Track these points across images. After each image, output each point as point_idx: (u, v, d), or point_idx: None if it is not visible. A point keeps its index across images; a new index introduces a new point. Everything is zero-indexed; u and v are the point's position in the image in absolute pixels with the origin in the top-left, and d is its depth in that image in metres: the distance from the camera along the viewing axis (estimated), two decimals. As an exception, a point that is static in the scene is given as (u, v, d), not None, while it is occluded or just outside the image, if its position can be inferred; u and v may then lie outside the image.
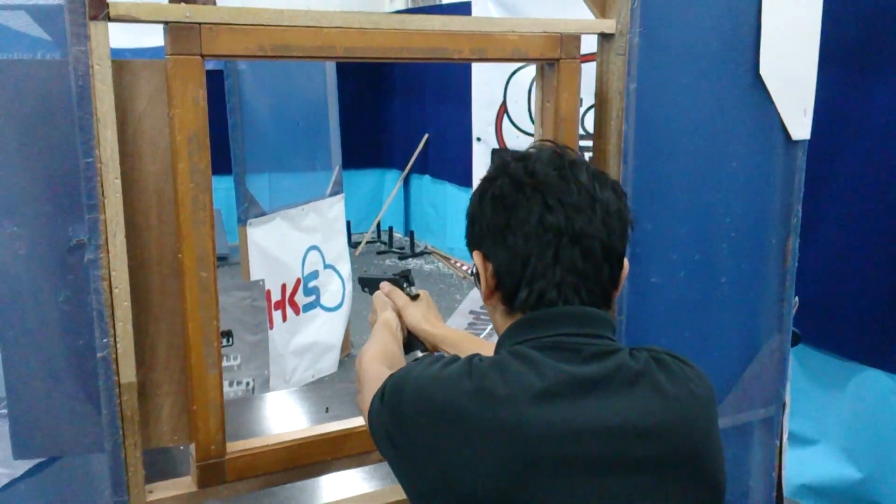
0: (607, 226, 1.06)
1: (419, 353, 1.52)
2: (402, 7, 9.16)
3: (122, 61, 1.24)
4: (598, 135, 1.60)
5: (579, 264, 1.05)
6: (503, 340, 1.11)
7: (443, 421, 0.99)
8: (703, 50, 1.60)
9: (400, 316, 1.52)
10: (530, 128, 4.30)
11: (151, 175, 1.30)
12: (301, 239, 4.46)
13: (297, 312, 4.43)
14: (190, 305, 1.33)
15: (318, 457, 1.51)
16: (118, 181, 1.23)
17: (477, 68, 4.73)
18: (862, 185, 2.80)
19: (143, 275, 1.33)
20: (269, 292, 3.95)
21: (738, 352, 1.81)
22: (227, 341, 3.25)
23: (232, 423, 2.38)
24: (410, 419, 1.02)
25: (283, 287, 4.27)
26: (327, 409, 2.39)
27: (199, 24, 1.24)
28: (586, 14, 1.59)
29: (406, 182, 8.48)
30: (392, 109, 8.73)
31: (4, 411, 1.37)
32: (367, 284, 1.63)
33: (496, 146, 4.55)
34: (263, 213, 4.14)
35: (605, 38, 1.55)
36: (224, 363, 3.20)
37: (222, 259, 7.38)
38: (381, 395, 1.08)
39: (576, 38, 1.52)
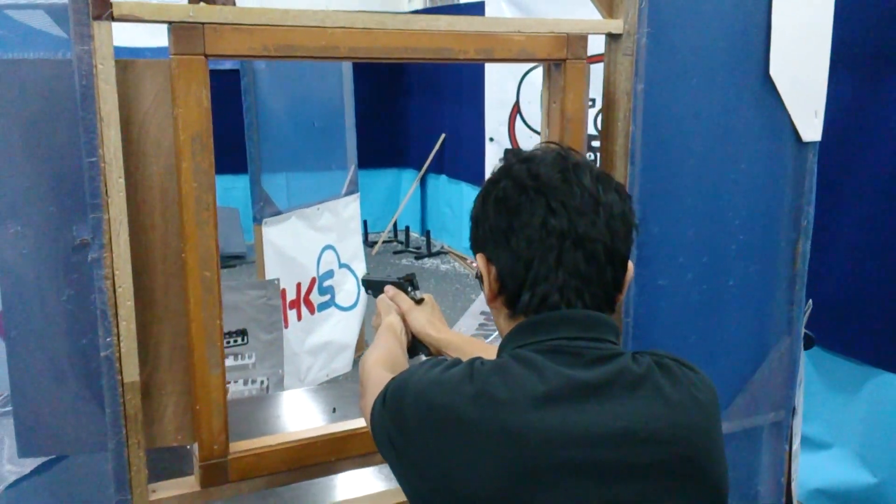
0: (611, 229, 1.05)
1: (423, 358, 1.52)
2: (420, 7, 9.16)
3: (126, 61, 1.25)
4: (606, 136, 1.59)
5: (582, 268, 1.04)
6: (505, 344, 1.10)
7: (443, 424, 0.99)
8: (712, 50, 1.59)
9: (404, 320, 1.52)
10: (544, 128, 4.26)
11: (156, 175, 1.31)
12: (316, 238, 4.47)
13: (311, 311, 4.44)
14: (193, 305, 1.33)
15: (321, 457, 1.51)
16: (122, 181, 1.24)
17: (490, 69, 4.72)
18: (878, 187, 2.77)
19: (147, 274, 1.33)
20: (283, 291, 3.96)
21: (746, 355, 1.80)
22: (242, 340, 3.26)
23: (244, 421, 2.39)
24: (411, 423, 1.02)
25: (298, 286, 4.28)
26: (334, 409, 2.40)
27: (203, 23, 1.24)
28: (598, 14, 1.58)
29: (423, 182, 8.48)
30: (410, 109, 8.74)
31: (10, 409, 1.38)
32: (371, 286, 1.63)
33: (509, 146, 4.55)
34: (279, 213, 4.15)
35: (612, 38, 1.54)
36: (239, 362, 3.23)
37: (240, 258, 7.42)
38: (383, 398, 1.08)
39: (582, 39, 1.51)
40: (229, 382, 3.11)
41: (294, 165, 4.30)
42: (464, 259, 7.49)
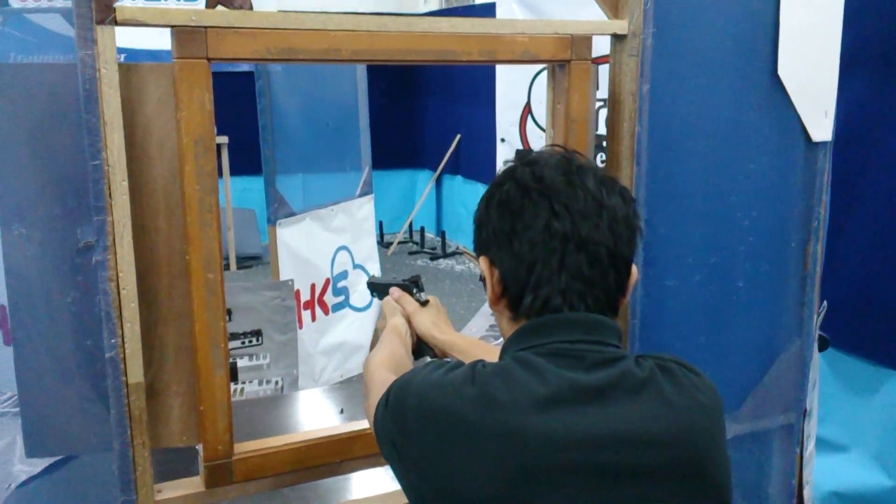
0: (614, 232, 1.05)
1: (428, 359, 1.52)
2: (435, 8, 9.17)
3: (129, 65, 1.26)
4: (611, 136, 1.58)
5: (585, 271, 1.04)
6: (507, 346, 1.10)
7: (445, 427, 0.99)
8: (719, 50, 1.57)
9: (409, 322, 1.52)
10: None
11: (160, 178, 1.31)
12: (330, 239, 4.49)
13: (326, 312, 4.45)
14: (196, 307, 1.34)
15: (326, 458, 1.52)
16: (125, 183, 1.25)
17: (501, 69, 4.71)
18: (894, 187, 2.74)
19: (152, 276, 1.34)
20: (298, 292, 3.97)
21: (756, 357, 1.78)
22: (257, 340, 3.28)
23: (258, 421, 2.41)
24: (413, 425, 1.02)
25: (313, 287, 4.29)
26: (342, 410, 2.40)
27: (206, 27, 1.25)
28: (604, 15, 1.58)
29: (438, 182, 8.49)
30: (425, 110, 8.75)
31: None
32: (377, 289, 1.63)
33: (520, 147, 4.53)
34: (293, 214, 4.17)
35: (617, 38, 1.54)
36: (253, 362, 3.24)
37: (256, 258, 7.47)
38: (386, 400, 1.08)
39: (587, 40, 1.50)
40: (244, 382, 3.13)
41: (308, 167, 4.32)
42: (479, 260, 7.48)
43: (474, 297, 6.36)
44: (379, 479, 1.90)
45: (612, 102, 1.57)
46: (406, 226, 8.40)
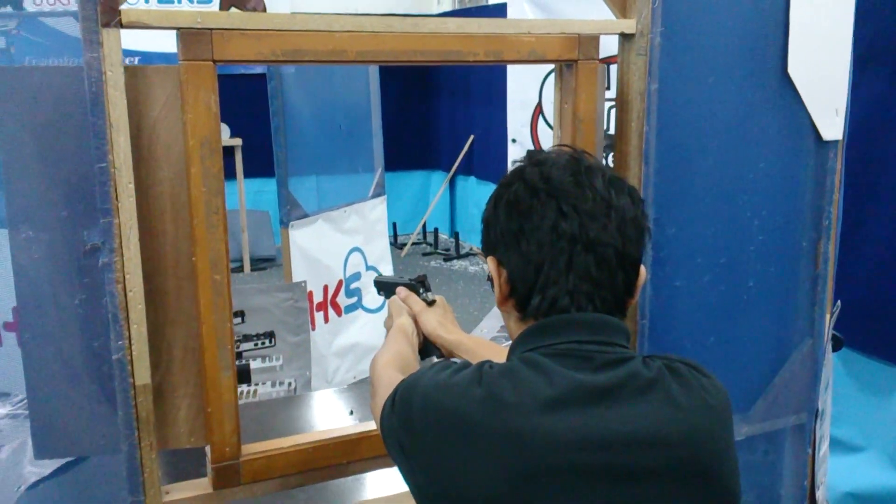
0: (622, 233, 1.04)
1: (435, 359, 1.52)
2: (449, 8, 9.17)
3: (135, 67, 1.26)
4: (620, 136, 1.57)
5: (593, 272, 1.03)
6: (515, 347, 1.10)
7: (451, 428, 0.99)
8: (728, 49, 1.56)
9: (416, 321, 1.52)
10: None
11: (166, 180, 1.32)
12: (343, 241, 4.50)
13: (338, 314, 4.46)
14: (203, 308, 1.34)
15: (333, 459, 1.52)
16: (131, 186, 1.25)
17: (512, 69, 4.71)
18: (909, 185, 2.71)
19: (159, 278, 1.35)
20: (311, 294, 3.98)
21: (767, 357, 1.77)
22: (270, 342, 3.29)
23: (268, 422, 2.41)
24: (419, 426, 1.02)
25: (325, 288, 4.30)
26: (351, 411, 2.40)
27: (211, 29, 1.25)
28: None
29: (452, 183, 8.48)
30: (438, 111, 8.74)
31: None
32: (383, 288, 1.63)
33: (532, 147, 4.53)
34: (305, 216, 4.18)
35: (625, 38, 1.53)
36: (266, 364, 3.25)
37: (270, 260, 7.49)
38: (392, 400, 1.08)
39: (594, 39, 1.50)
40: (257, 384, 3.14)
41: (321, 168, 4.33)
42: (486, 260, 7.48)
43: (487, 298, 6.35)
44: (392, 480, 1.90)
45: (621, 102, 1.56)
46: (420, 227, 8.40)
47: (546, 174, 1.06)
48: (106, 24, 1.19)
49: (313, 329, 4.01)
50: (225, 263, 1.35)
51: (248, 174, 7.09)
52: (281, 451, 1.46)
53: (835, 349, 1.97)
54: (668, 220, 1.58)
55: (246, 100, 6.24)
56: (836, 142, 1.71)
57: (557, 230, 1.03)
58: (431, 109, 8.77)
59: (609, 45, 1.56)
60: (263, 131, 3.99)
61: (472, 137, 7.99)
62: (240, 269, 7.16)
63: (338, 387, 4.16)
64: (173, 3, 6.84)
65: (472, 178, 8.12)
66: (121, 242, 1.26)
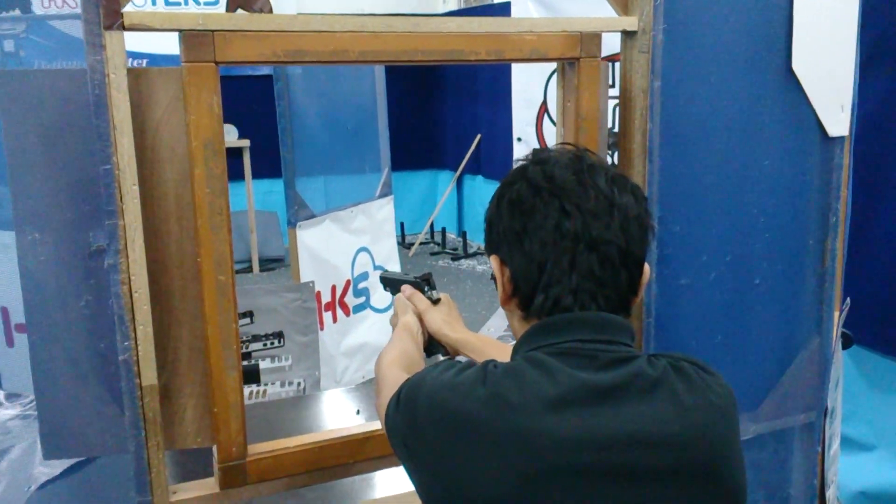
0: (626, 232, 1.04)
1: (440, 358, 1.52)
2: (454, 7, 9.17)
3: (138, 70, 1.27)
4: (623, 134, 1.57)
5: (596, 271, 1.03)
6: (519, 346, 1.10)
7: (456, 428, 0.99)
8: (731, 45, 1.56)
9: (421, 319, 1.52)
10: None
11: (170, 181, 1.32)
12: (350, 241, 4.50)
13: (347, 314, 4.46)
14: (208, 309, 1.35)
15: (340, 459, 1.52)
16: (136, 187, 1.26)
17: (517, 68, 4.70)
18: (918, 182, 2.70)
19: (165, 279, 1.35)
20: (319, 294, 3.99)
21: (774, 356, 1.76)
22: (279, 342, 3.30)
23: (275, 422, 2.42)
24: (424, 426, 1.02)
25: (333, 288, 4.31)
26: (358, 411, 2.41)
27: (213, 31, 1.25)
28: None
29: (459, 183, 8.48)
30: (445, 110, 8.74)
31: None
32: (389, 284, 1.63)
33: (537, 146, 4.52)
34: (313, 216, 4.19)
35: (627, 35, 1.53)
36: (275, 364, 3.26)
37: (278, 261, 7.51)
38: (397, 400, 1.08)
39: (596, 37, 1.49)
40: (266, 384, 3.15)
41: (328, 169, 4.34)
42: (489, 258, 7.47)
43: (495, 298, 6.28)
44: (400, 479, 1.90)
45: (624, 100, 1.56)
46: (427, 226, 8.41)
47: (549, 173, 1.06)
48: (108, 27, 1.19)
49: (322, 329, 4.01)
50: (229, 264, 1.35)
51: (256, 175, 7.12)
52: (287, 451, 1.47)
53: (844, 347, 1.96)
54: (672, 218, 1.57)
55: (253, 101, 6.26)
56: (842, 138, 1.71)
57: (560, 229, 1.03)
58: (438, 109, 8.77)
59: (612, 43, 1.56)
60: (271, 132, 4.00)
61: (479, 136, 7.98)
62: (249, 269, 7.18)
63: (346, 386, 4.17)
64: (180, 4, 6.86)
65: (480, 177, 8.12)
66: (126, 244, 1.26)
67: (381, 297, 4.70)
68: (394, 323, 1.55)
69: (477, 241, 8.15)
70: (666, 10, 1.48)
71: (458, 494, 0.98)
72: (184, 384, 1.40)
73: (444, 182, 8.68)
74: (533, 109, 4.54)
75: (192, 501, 1.42)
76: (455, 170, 8.35)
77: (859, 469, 2.98)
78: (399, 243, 6.51)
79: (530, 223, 1.05)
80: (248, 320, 2.99)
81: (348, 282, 4.42)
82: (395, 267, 4.85)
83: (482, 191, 8.09)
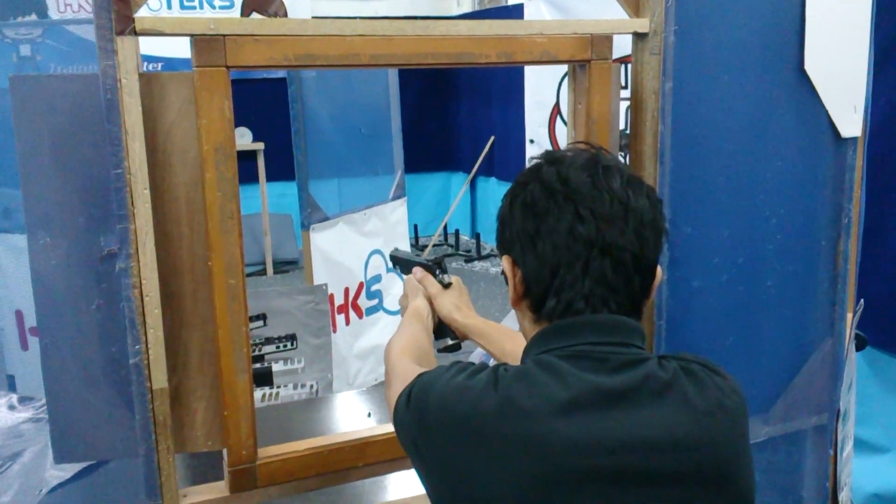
0: (640, 237, 1.03)
1: (449, 342, 1.53)
2: (468, 10, 9.17)
3: (150, 74, 1.27)
4: (634, 136, 1.56)
5: (609, 276, 1.02)
6: (529, 348, 1.09)
7: (466, 432, 0.99)
8: (743, 46, 1.55)
9: (431, 303, 1.52)
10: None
11: (182, 185, 1.33)
12: (363, 243, 4.51)
13: (360, 316, 4.47)
14: (219, 312, 1.35)
15: (350, 462, 1.52)
16: (147, 192, 1.26)
17: (529, 70, 4.70)
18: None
19: (176, 282, 1.36)
20: (332, 296, 4.00)
21: (786, 358, 1.75)
22: (292, 345, 3.31)
23: (286, 424, 2.42)
24: (434, 428, 1.02)
25: (346, 291, 4.32)
26: (369, 413, 2.41)
27: (224, 35, 1.26)
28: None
29: (472, 185, 8.48)
30: (458, 112, 8.75)
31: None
32: (399, 263, 1.63)
33: (549, 148, 4.52)
34: (326, 218, 4.20)
35: (638, 37, 1.52)
36: (288, 366, 3.27)
37: (292, 263, 7.52)
38: (408, 397, 1.08)
39: (607, 39, 1.49)
40: (279, 386, 3.16)
41: (341, 171, 4.35)
42: (501, 258, 7.47)
43: (508, 300, 6.34)
44: (411, 482, 1.90)
45: (635, 101, 1.55)
46: (441, 228, 8.41)
47: (564, 175, 1.05)
48: (120, 32, 1.20)
49: (334, 331, 4.02)
50: (240, 268, 1.35)
51: (270, 178, 7.13)
52: (297, 454, 1.47)
53: (858, 349, 1.94)
54: (684, 220, 1.57)
55: (267, 104, 6.28)
56: (854, 139, 1.69)
57: (574, 234, 1.01)
58: (451, 111, 8.77)
59: (624, 45, 1.56)
60: (285, 135, 4.02)
61: (492, 138, 7.98)
62: (263, 272, 7.21)
63: (359, 389, 4.17)
64: (195, 8, 6.90)
65: (493, 179, 8.11)
66: (137, 248, 1.27)
67: (394, 299, 4.70)
68: (403, 303, 1.55)
69: (490, 243, 8.14)
70: (677, 12, 1.47)
71: (467, 496, 0.98)
72: (194, 387, 1.41)
73: (458, 184, 8.68)
74: (545, 111, 4.54)
75: (202, 504, 1.43)
76: (468, 172, 8.34)
77: (873, 471, 2.95)
78: (413, 245, 6.51)
79: (543, 226, 1.04)
80: (261, 322, 3.00)
81: (361, 284, 4.43)
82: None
83: (496, 192, 8.08)
